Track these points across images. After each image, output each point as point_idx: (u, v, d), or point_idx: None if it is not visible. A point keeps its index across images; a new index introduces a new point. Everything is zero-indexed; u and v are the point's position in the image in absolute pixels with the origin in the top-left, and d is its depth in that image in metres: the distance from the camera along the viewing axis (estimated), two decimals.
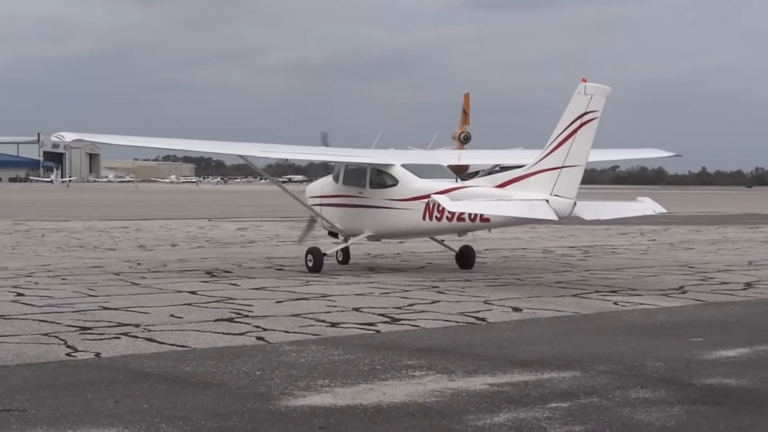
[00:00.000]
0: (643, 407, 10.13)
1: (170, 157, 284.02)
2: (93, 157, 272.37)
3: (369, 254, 28.25)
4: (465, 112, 52.83)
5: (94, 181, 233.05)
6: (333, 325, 15.60)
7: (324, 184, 25.85)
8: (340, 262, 25.40)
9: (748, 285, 21.80)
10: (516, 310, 17.53)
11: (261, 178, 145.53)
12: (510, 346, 13.89)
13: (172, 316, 16.33)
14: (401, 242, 30.11)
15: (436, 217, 22.69)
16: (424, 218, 23.01)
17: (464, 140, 50.37)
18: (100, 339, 13.95)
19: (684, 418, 9.76)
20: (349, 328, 15.34)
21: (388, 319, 16.23)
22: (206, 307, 17.43)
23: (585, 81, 20.98)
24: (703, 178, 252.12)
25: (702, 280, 22.78)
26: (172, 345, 13.57)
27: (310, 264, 23.77)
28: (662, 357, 12.93)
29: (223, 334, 14.53)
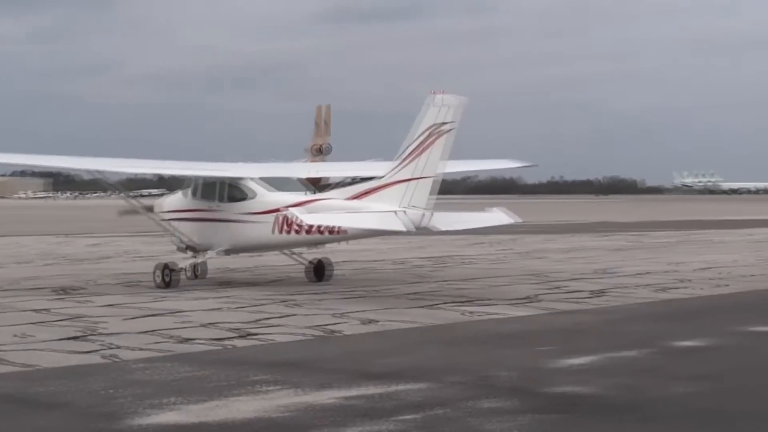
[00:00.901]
0: (492, 417, 10.22)
1: (23, 172, 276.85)
2: None
3: (226, 269, 28.01)
4: (322, 124, 52.73)
5: None
6: (185, 341, 15.41)
7: (177, 199, 25.54)
8: (197, 277, 25.10)
9: (598, 293, 22.25)
10: (370, 322, 17.57)
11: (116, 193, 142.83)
12: (363, 358, 13.91)
13: (20, 335, 15.91)
14: (257, 256, 29.93)
15: (293, 230, 22.63)
16: (280, 231, 22.93)
17: (324, 152, 50.30)
18: None
19: (533, 426, 9.88)
20: (201, 344, 15.16)
21: (241, 334, 16.11)
22: (56, 326, 17.05)
23: (438, 93, 21.20)
24: (556, 187, 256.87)
25: (553, 288, 23.18)
26: (20, 365, 13.22)
27: (165, 279, 23.44)
28: (512, 366, 13.09)
29: (73, 352, 14.23)
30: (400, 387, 11.68)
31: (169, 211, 25.36)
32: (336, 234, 22.31)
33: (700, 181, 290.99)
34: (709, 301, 21.24)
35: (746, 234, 48.03)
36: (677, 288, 23.27)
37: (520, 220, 24.16)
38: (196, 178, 24.94)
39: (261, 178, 24.18)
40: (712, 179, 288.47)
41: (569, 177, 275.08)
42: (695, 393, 11.53)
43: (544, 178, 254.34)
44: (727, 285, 23.94)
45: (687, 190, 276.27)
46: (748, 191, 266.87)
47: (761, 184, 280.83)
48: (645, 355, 14.22)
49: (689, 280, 24.86)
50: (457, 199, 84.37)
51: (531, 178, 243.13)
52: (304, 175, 25.84)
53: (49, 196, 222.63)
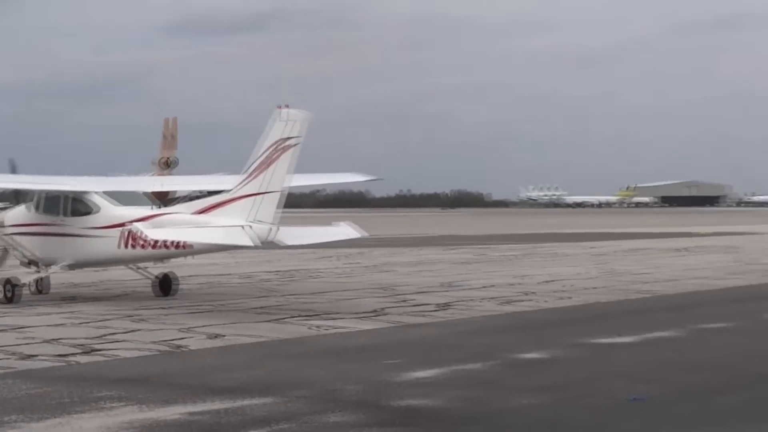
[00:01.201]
0: (338, 431, 10.29)
1: None
2: None
3: (71, 284, 27.47)
4: (169, 137, 52.19)
5: None
6: (27, 357, 15.10)
7: (20, 212, 24.98)
8: (40, 292, 24.59)
9: (444, 306, 22.53)
10: (216, 336, 17.48)
11: None
12: (209, 373, 13.84)
13: None
14: (102, 270, 29.45)
15: (138, 245, 22.36)
16: (125, 246, 22.63)
17: (171, 165, 49.78)
18: None
19: None
20: (43, 360, 14.88)
21: (85, 350, 15.85)
22: None
23: (284, 107, 21.26)
24: (404, 201, 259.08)
25: (400, 302, 23.39)
26: None
27: (7, 295, 22.90)
28: (358, 380, 13.19)
29: None
30: (246, 402, 11.66)
31: (11, 225, 24.79)
32: (182, 249, 22.14)
33: (545, 195, 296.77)
34: (553, 313, 21.70)
35: (589, 247, 49.18)
36: (522, 301, 23.73)
37: (366, 234, 24.33)
38: (39, 192, 24.43)
39: (106, 192, 23.83)
40: (557, 193, 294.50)
41: (417, 190, 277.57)
42: (537, 404, 11.80)
43: (392, 192, 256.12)
44: (570, 297, 24.49)
45: (532, 203, 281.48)
46: (592, 205, 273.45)
47: (604, 198, 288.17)
48: (489, 368, 14.47)
49: (533, 293, 25.36)
50: (306, 213, 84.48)
51: (379, 192, 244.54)
52: (150, 189, 25.58)
53: None
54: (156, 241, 21.85)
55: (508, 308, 22.22)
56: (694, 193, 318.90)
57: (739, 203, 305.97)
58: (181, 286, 24.87)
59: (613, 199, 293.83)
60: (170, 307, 22.02)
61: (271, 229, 21.25)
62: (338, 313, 21.13)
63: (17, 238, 24.44)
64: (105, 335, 17.54)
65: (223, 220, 21.45)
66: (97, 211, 23.39)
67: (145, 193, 24.81)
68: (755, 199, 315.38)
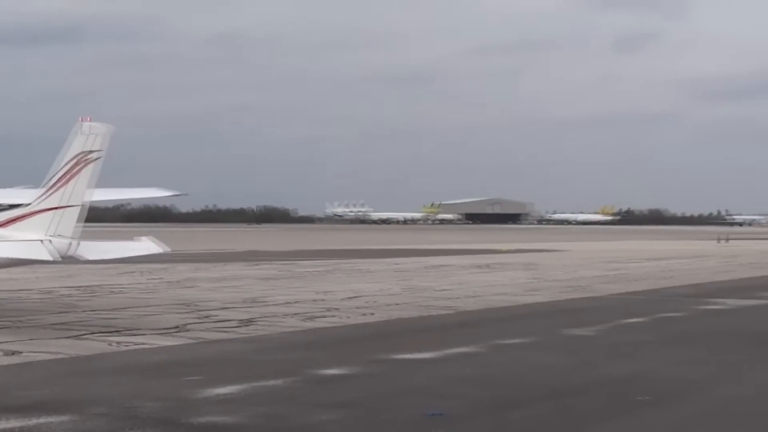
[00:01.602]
0: None
1: None
2: None
3: None
4: None
5: None
6: None
7: None
8: None
9: (246, 322, 22.46)
10: (13, 353, 17.00)
11: None
12: (5, 391, 13.47)
13: None
14: None
15: None
16: None
17: None
18: None
19: None
20: None
21: None
22: None
23: (86, 120, 20.87)
24: (210, 216, 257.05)
25: (203, 318, 23.20)
26: None
27: None
28: (158, 397, 13.04)
29: None
30: (42, 420, 11.40)
31: None
32: None
33: (351, 211, 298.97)
34: (355, 329, 21.87)
35: (393, 263, 49.77)
36: (324, 317, 23.84)
37: (168, 249, 24.07)
38: None
39: None
40: (363, 209, 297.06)
41: (223, 205, 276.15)
42: (336, 420, 11.90)
43: (198, 207, 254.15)
44: (373, 314, 24.73)
45: (338, 219, 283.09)
46: (397, 221, 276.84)
47: (409, 214, 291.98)
48: (290, 384, 14.50)
49: (336, 309, 25.52)
50: (110, 227, 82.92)
51: (185, 207, 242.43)
52: None
53: None
54: None
55: (311, 324, 22.30)
56: (497, 210, 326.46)
57: (541, 221, 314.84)
58: None
59: (417, 215, 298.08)
60: None
61: (71, 244, 20.82)
62: (139, 329, 20.82)
63: None
64: None
65: (22, 234, 20.90)
66: None
67: None
68: (555, 217, 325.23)
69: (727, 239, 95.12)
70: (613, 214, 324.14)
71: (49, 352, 17.24)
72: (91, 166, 20.84)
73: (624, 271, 44.24)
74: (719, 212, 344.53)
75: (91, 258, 22.52)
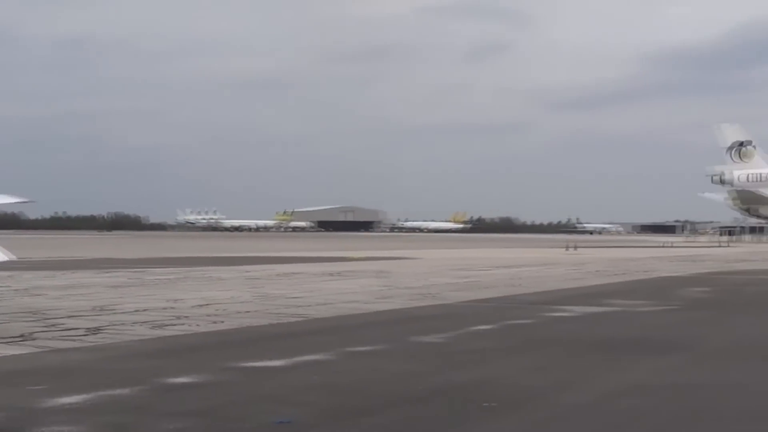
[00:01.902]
0: None
1: None
2: None
3: None
4: None
5: None
6: None
7: None
8: None
9: (94, 330, 22.11)
10: None
11: None
12: None
13: None
14: None
15: None
16: None
17: None
18: None
19: None
20: None
21: None
22: None
23: None
24: (60, 223, 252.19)
25: (49, 326, 22.75)
26: None
27: None
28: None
29: None
30: None
31: None
32: None
33: (203, 218, 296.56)
34: (205, 337, 21.71)
35: (244, 271, 49.55)
36: (174, 325, 23.62)
37: (14, 257, 23.55)
38: None
39: None
40: (215, 216, 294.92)
41: (73, 212, 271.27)
42: (183, 429, 11.82)
43: (47, 214, 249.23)
44: (223, 321, 24.57)
45: (190, 226, 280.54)
46: (250, 229, 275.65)
47: (262, 222, 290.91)
48: (138, 393, 14.32)
49: (186, 317, 25.30)
50: None
51: (33, 214, 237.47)
52: None
53: None
54: None
55: (160, 332, 22.07)
56: (350, 218, 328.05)
57: (393, 228, 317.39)
58: None
59: (270, 223, 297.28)
60: None
61: None
62: None
63: None
64: None
65: None
66: None
67: None
68: (408, 224, 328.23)
69: (575, 247, 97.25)
70: (465, 222, 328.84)
71: None
72: None
73: (474, 278, 44.88)
74: (570, 220, 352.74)
75: None
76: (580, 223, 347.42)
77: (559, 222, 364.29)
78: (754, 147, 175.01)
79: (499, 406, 13.62)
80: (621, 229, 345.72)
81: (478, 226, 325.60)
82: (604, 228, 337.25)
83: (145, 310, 27.11)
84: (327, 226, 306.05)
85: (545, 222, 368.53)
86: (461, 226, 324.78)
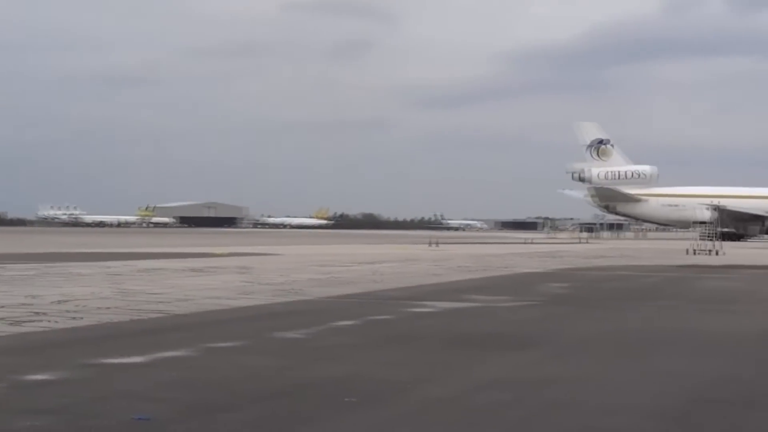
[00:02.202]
0: None
1: None
2: None
3: None
4: None
5: None
6: None
7: None
8: None
9: None
10: None
11: None
12: None
13: None
14: None
15: None
16: None
17: None
18: None
19: None
20: None
21: None
22: None
23: None
24: None
25: None
26: None
27: None
28: None
29: None
30: None
31: None
32: None
33: (64, 214, 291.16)
34: (64, 334, 21.32)
35: (105, 266, 48.74)
36: (32, 321, 23.13)
37: None
38: None
39: None
40: (76, 212, 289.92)
41: None
42: (41, 426, 11.64)
43: None
44: (82, 318, 24.17)
45: (51, 222, 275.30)
46: (111, 224, 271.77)
47: (123, 218, 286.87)
48: None
49: (45, 314, 24.78)
50: None
51: None
52: None
53: None
54: None
55: (17, 329, 21.60)
56: (212, 214, 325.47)
57: (256, 224, 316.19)
58: None
59: (132, 218, 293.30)
60: None
61: None
62: None
63: None
64: None
65: None
66: None
67: None
68: (271, 220, 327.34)
69: (437, 243, 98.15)
70: (328, 218, 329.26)
71: None
72: None
73: (337, 274, 44.97)
74: (434, 217, 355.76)
75: None
76: (444, 220, 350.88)
77: (423, 218, 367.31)
78: (612, 145, 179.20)
79: (360, 401, 13.71)
80: (484, 225, 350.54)
81: (341, 222, 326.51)
82: (467, 224, 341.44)
83: (1, 306, 26.48)
84: (190, 222, 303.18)
85: (409, 218, 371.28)
86: (324, 222, 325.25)
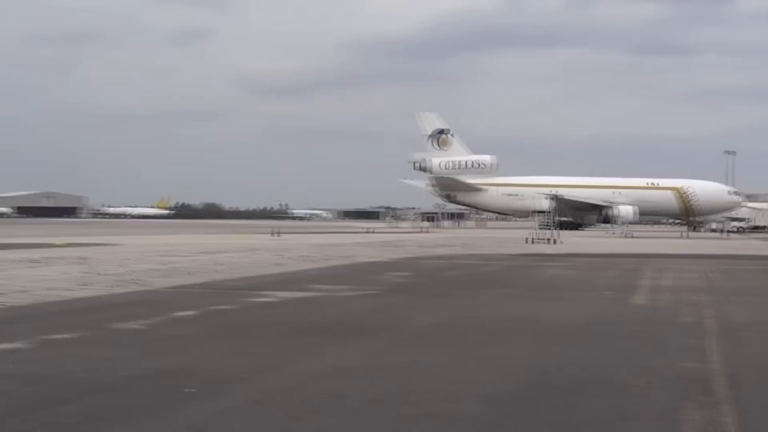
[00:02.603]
0: None
1: None
2: None
3: None
4: None
5: None
6: None
7: None
8: None
9: None
10: None
11: None
12: None
13: None
14: None
15: None
16: None
17: None
18: None
19: None
20: None
21: None
22: None
23: None
24: None
25: None
26: None
27: None
28: None
29: None
30: None
31: None
32: None
33: None
34: None
35: None
36: None
37: None
38: None
39: None
40: None
41: None
42: None
43: None
44: None
45: None
46: None
47: None
48: None
49: None
50: None
51: None
52: None
53: None
54: None
55: None
56: (51, 203, 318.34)
57: (96, 214, 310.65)
58: None
59: None
60: None
61: None
62: None
63: None
64: None
65: None
66: None
67: None
68: (111, 210, 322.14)
69: (279, 233, 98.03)
70: (169, 208, 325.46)
71: None
72: None
73: (178, 264, 44.55)
74: (281, 206, 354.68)
75: None
76: (290, 210, 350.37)
77: (265, 208, 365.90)
78: (452, 135, 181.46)
79: (200, 392, 13.69)
80: (329, 215, 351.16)
81: (183, 212, 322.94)
82: (313, 214, 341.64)
83: None
84: (28, 212, 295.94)
85: (252, 208, 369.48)
86: (166, 212, 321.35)
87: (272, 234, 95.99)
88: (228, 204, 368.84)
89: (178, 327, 21.38)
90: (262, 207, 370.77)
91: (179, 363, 16.28)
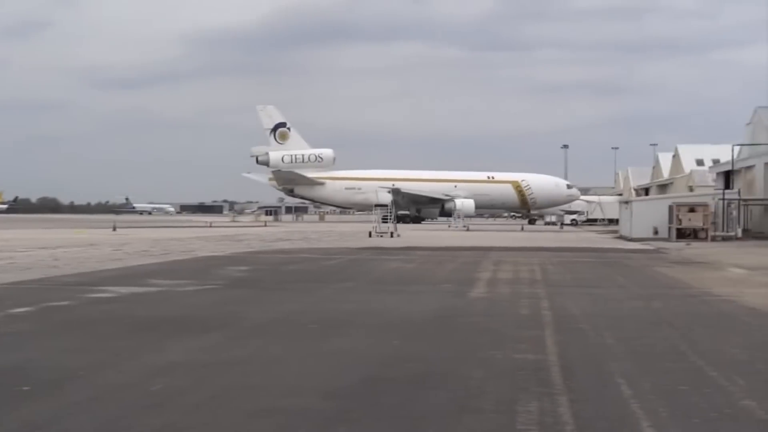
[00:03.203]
0: None
1: None
2: None
3: None
4: None
5: None
6: None
7: None
8: None
9: None
10: None
11: None
12: None
13: None
14: None
15: None
16: None
17: None
18: None
19: None
20: None
21: None
22: None
23: None
24: None
25: None
26: None
27: None
28: None
29: None
30: None
31: None
32: None
33: None
34: None
35: None
36: None
37: None
38: None
39: None
40: None
41: None
42: None
43: None
44: None
45: None
46: None
47: None
48: None
49: None
50: None
51: None
52: None
53: None
54: None
55: None
56: None
57: None
58: None
59: None
60: None
61: None
62: None
63: None
64: None
65: None
66: None
67: None
68: None
69: (115, 228, 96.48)
70: (2, 203, 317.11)
71: None
72: None
73: (12, 260, 43.47)
74: (122, 201, 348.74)
75: None
76: (131, 204, 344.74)
77: (107, 202, 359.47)
78: (290, 129, 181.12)
79: (35, 389, 13.39)
80: (173, 209, 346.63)
81: (18, 206, 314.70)
82: (157, 208, 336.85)
83: None
84: None
85: (93, 202, 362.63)
86: None
87: (113, 229, 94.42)
88: (67, 199, 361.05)
89: (13, 324, 20.85)
90: (105, 201, 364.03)
91: (14, 361, 15.90)
